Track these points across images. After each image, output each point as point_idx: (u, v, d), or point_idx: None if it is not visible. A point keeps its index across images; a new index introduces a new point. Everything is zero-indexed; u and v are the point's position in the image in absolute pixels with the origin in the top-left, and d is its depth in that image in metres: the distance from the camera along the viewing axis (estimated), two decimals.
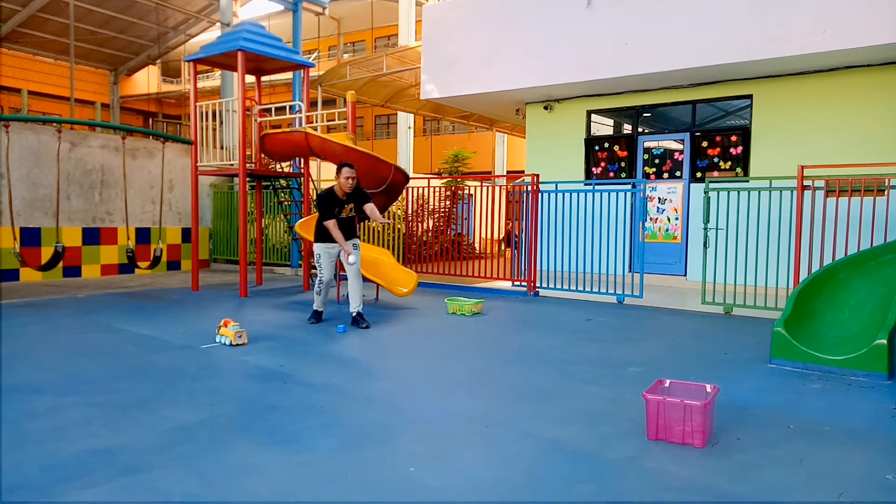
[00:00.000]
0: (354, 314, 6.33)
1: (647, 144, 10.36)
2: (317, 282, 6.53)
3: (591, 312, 7.37)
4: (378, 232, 11.46)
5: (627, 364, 4.82)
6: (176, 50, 24.59)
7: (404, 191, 9.97)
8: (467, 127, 21.53)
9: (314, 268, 10.21)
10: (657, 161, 10.25)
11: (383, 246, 11.10)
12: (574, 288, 8.52)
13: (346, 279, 8.43)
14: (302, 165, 9.59)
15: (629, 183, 8.59)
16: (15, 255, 7.39)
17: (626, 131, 10.68)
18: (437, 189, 12.74)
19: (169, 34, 22.08)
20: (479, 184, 11.57)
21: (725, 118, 9.77)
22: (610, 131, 10.92)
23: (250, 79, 9.43)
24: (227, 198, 12.45)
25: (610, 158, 10.73)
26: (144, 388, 4.03)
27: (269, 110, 9.19)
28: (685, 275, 9.77)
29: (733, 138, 9.54)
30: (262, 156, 8.99)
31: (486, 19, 10.70)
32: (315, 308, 6.59)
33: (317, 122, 9.22)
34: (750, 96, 9.34)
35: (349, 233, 6.48)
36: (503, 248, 13.17)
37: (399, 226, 11.42)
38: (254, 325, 6.09)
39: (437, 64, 11.35)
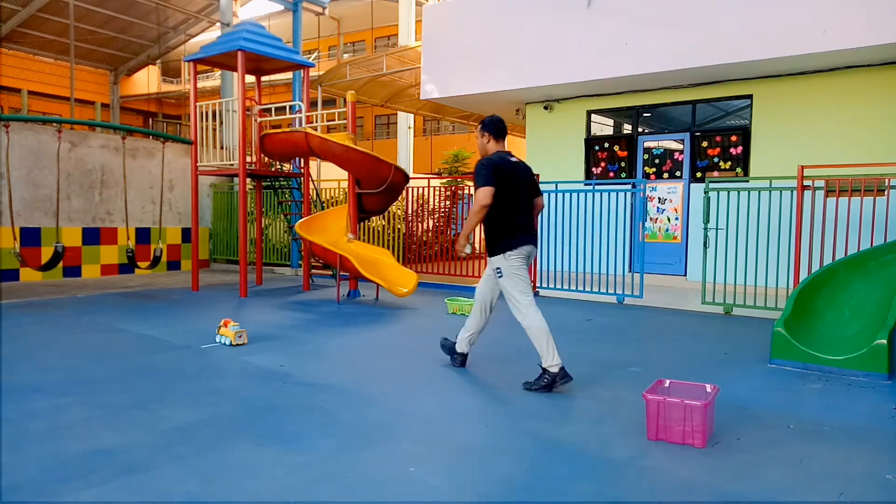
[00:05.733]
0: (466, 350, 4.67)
1: (647, 144, 10.35)
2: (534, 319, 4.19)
3: (591, 312, 7.37)
4: (378, 232, 11.46)
5: (627, 364, 4.82)
6: (176, 50, 24.59)
7: (404, 191, 9.97)
8: (467, 127, 21.51)
9: (314, 268, 10.25)
10: (657, 161, 10.25)
11: (383, 246, 11.10)
12: (574, 288, 8.52)
13: (346, 278, 8.40)
14: (302, 165, 9.59)
15: (629, 183, 8.59)
16: (15, 255, 7.38)
17: (626, 131, 10.68)
18: (437, 189, 12.73)
19: (169, 34, 22.07)
20: None
21: (725, 118, 9.77)
22: (610, 131, 10.92)
23: (250, 79, 9.43)
24: (227, 198, 12.45)
25: (610, 158, 10.72)
26: (144, 388, 4.02)
27: (269, 110, 9.19)
28: (685, 275, 9.76)
29: (733, 138, 9.54)
30: (262, 156, 8.99)
31: (487, 19, 10.69)
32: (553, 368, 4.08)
33: (317, 122, 9.22)
34: (750, 96, 9.34)
35: (530, 228, 4.39)
36: None
37: (399, 226, 11.41)
38: (254, 325, 6.09)
39: (437, 64, 11.34)
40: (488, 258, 4.41)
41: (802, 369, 4.64)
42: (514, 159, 4.42)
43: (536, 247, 4.46)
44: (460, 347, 4.69)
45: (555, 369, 4.10)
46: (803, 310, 5.11)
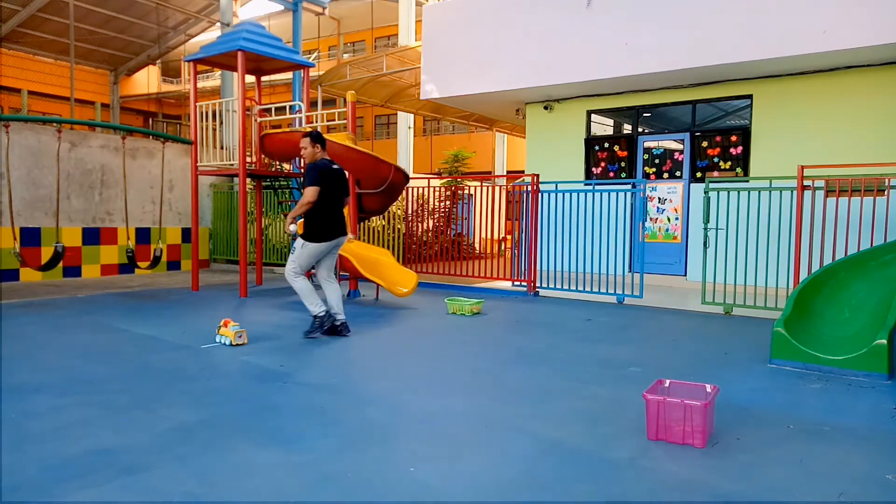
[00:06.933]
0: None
1: (647, 144, 10.35)
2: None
3: (591, 312, 7.37)
4: (378, 232, 11.46)
5: (627, 364, 4.82)
6: (176, 50, 24.63)
7: (404, 191, 9.97)
8: (467, 127, 21.53)
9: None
10: (657, 161, 10.25)
11: (383, 246, 11.10)
12: (574, 288, 8.52)
13: (346, 278, 8.40)
14: (302, 165, 9.58)
15: (629, 183, 8.59)
16: (15, 255, 7.38)
17: (626, 131, 10.69)
18: (437, 189, 12.74)
19: (169, 34, 22.11)
20: (479, 184, 11.57)
21: (725, 118, 9.77)
22: (610, 131, 10.92)
23: (250, 79, 9.43)
24: (227, 198, 12.44)
25: (610, 158, 10.72)
26: (144, 388, 4.02)
27: (269, 110, 9.19)
28: (685, 275, 9.77)
29: (733, 138, 9.54)
30: (262, 156, 8.98)
31: (487, 19, 10.69)
32: None
33: (317, 122, 9.21)
34: (750, 96, 9.34)
35: (339, 224, 5.71)
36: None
37: (399, 226, 11.41)
38: (254, 325, 6.09)
39: (437, 64, 11.34)
40: (300, 238, 5.58)
41: (802, 369, 4.64)
42: (335, 166, 5.64)
43: (346, 235, 5.79)
44: (318, 310, 5.55)
45: (320, 314, 5.52)
46: (803, 310, 5.10)
